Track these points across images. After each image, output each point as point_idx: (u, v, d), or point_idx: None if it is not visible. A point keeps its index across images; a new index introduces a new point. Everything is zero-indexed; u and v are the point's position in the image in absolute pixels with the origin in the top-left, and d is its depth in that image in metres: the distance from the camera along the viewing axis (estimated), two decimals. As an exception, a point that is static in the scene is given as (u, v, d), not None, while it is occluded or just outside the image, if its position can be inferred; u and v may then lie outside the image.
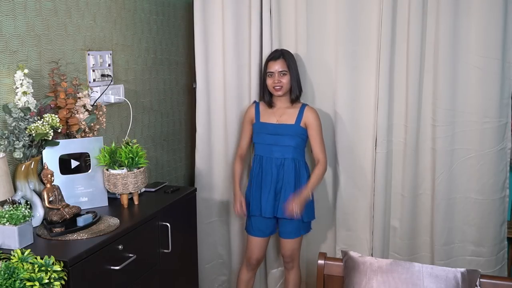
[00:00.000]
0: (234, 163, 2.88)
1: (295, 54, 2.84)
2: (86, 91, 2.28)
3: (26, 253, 1.65)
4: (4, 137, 1.91)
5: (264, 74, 2.71)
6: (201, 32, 2.96)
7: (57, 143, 2.11)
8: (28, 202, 2.00)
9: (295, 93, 2.69)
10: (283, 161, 2.67)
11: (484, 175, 2.67)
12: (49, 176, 1.99)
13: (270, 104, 2.73)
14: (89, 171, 2.24)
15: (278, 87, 2.65)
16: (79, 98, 2.25)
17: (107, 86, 2.49)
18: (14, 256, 1.62)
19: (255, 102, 2.84)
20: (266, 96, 2.74)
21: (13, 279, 1.53)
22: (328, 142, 2.89)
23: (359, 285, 2.07)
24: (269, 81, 2.67)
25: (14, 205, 1.85)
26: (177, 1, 3.22)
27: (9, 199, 1.89)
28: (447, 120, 2.65)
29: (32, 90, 2.00)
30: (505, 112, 2.62)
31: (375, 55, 2.72)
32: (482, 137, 2.63)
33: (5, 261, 1.62)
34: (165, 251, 2.32)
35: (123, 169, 2.24)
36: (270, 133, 2.71)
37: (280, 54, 2.67)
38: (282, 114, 2.71)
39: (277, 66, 2.63)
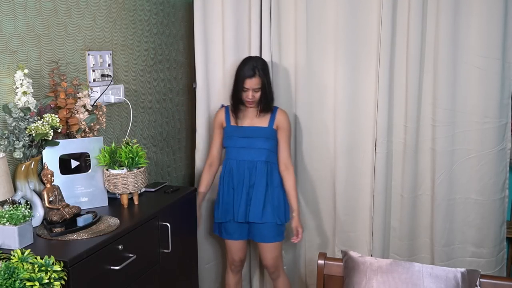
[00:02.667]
0: (202, 172, 2.86)
1: (295, 54, 2.84)
2: (86, 91, 2.27)
3: (26, 253, 1.65)
4: (4, 137, 1.91)
5: (237, 85, 2.66)
6: (201, 32, 2.95)
7: (57, 143, 2.11)
8: (28, 202, 2.00)
9: (265, 103, 2.66)
10: (255, 164, 2.67)
11: (484, 176, 2.67)
12: (49, 176, 1.99)
13: (240, 110, 2.71)
14: (89, 171, 2.24)
15: (251, 101, 2.65)
16: (79, 98, 2.25)
17: (107, 86, 2.49)
18: (14, 256, 1.62)
19: (223, 106, 2.82)
20: (237, 105, 2.70)
21: (13, 279, 1.53)
22: (328, 142, 2.90)
23: (359, 285, 2.07)
24: (243, 95, 2.64)
25: (14, 205, 1.85)
26: (177, 1, 3.22)
27: (9, 199, 1.89)
28: (447, 121, 2.65)
29: (32, 90, 1.99)
30: (505, 112, 2.62)
31: (375, 55, 2.72)
32: (482, 137, 2.63)
33: (5, 261, 1.62)
34: (165, 251, 2.32)
35: (123, 169, 2.24)
36: (243, 136, 2.69)
37: (255, 72, 2.60)
38: (254, 117, 2.71)
39: (252, 83, 2.61)
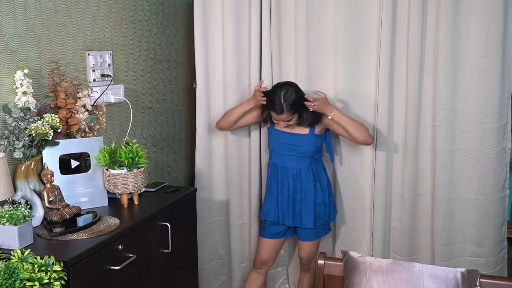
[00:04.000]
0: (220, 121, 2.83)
1: (295, 54, 2.84)
2: (86, 91, 2.27)
3: (26, 253, 1.65)
4: (4, 137, 1.91)
5: (269, 115, 2.63)
6: (201, 32, 2.95)
7: (57, 143, 2.11)
8: (28, 202, 2.00)
9: (300, 123, 2.62)
10: (299, 171, 2.66)
11: (484, 176, 2.67)
12: (49, 176, 1.99)
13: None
14: (89, 171, 2.24)
15: (286, 127, 2.63)
16: (79, 98, 2.25)
17: (107, 86, 2.49)
18: (14, 256, 1.62)
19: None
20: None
21: (13, 279, 1.53)
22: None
23: (359, 285, 2.07)
24: (276, 123, 2.64)
25: (14, 205, 1.85)
26: (177, 1, 3.22)
27: (9, 199, 1.89)
28: (447, 120, 2.65)
29: (32, 90, 1.99)
30: (505, 112, 2.62)
31: (375, 55, 2.72)
32: (482, 137, 2.63)
33: (5, 261, 1.62)
34: (165, 251, 2.32)
35: (123, 169, 2.24)
36: (285, 142, 2.68)
37: (282, 110, 2.51)
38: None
39: (281, 118, 2.56)
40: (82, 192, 2.21)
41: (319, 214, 2.68)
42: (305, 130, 2.65)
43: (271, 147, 2.75)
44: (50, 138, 2.01)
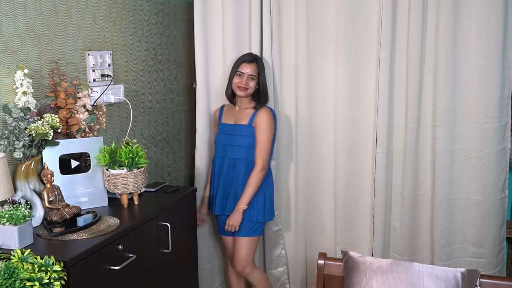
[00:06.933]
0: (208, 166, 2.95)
1: (295, 54, 2.84)
2: (86, 91, 2.27)
3: (26, 253, 1.65)
4: (4, 137, 1.91)
5: (233, 72, 2.72)
6: (201, 32, 2.95)
7: (57, 143, 2.11)
8: (28, 202, 2.00)
9: (258, 97, 2.70)
10: (234, 161, 2.70)
11: (484, 176, 2.67)
12: (49, 176, 1.99)
13: (232, 102, 2.76)
14: (89, 171, 2.24)
15: (243, 88, 2.66)
16: (79, 98, 2.25)
17: (107, 86, 2.49)
18: (14, 256, 1.62)
19: (222, 105, 2.88)
20: (229, 93, 2.75)
21: (13, 279, 1.53)
22: (329, 142, 2.90)
23: (359, 285, 2.07)
24: (236, 80, 2.68)
25: (14, 205, 1.85)
26: (177, 1, 3.22)
27: (9, 199, 1.89)
28: (447, 120, 2.65)
29: (32, 90, 1.99)
30: (505, 112, 2.62)
31: (375, 55, 2.72)
32: (482, 137, 2.63)
33: (5, 261, 1.62)
34: (165, 251, 2.32)
35: (123, 169, 2.24)
36: (226, 133, 2.75)
37: (254, 59, 2.71)
38: (239, 114, 2.74)
39: (249, 69, 2.67)
40: (82, 192, 2.21)
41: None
42: (245, 121, 2.69)
43: (215, 140, 2.81)
44: (50, 138, 2.01)
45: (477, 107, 2.62)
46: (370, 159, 2.81)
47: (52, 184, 2.00)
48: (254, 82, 2.68)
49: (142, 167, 2.30)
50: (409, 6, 2.62)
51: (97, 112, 2.36)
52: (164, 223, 2.29)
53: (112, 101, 2.54)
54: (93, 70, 2.43)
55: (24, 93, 1.96)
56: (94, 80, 2.44)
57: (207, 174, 2.95)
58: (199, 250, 2.91)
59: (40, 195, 2.01)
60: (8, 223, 1.76)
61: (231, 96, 2.76)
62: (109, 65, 2.55)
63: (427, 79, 2.68)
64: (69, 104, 2.18)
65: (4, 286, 1.51)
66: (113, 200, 2.31)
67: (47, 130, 1.97)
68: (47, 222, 1.96)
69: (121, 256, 1.98)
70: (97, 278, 1.85)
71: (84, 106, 2.25)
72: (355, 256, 2.19)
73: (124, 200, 2.28)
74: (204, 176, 3.06)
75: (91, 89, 2.38)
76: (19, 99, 1.96)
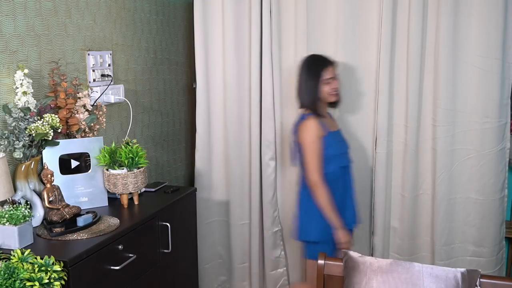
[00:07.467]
0: (322, 189, 2.41)
1: (295, 54, 2.84)
2: (86, 91, 2.28)
3: (26, 253, 1.65)
4: (4, 137, 1.91)
5: (316, 81, 2.44)
6: (201, 32, 2.95)
7: (57, 143, 2.11)
8: (28, 202, 2.00)
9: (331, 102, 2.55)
10: (351, 166, 2.60)
11: (484, 175, 2.67)
12: (49, 176, 1.99)
13: (317, 112, 2.47)
14: (89, 171, 2.24)
15: (335, 94, 2.49)
16: (79, 98, 2.25)
17: (107, 86, 2.49)
18: (14, 256, 1.62)
19: (309, 114, 2.46)
20: (319, 106, 2.48)
21: (13, 279, 1.53)
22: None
23: (359, 285, 2.07)
24: (326, 88, 2.45)
25: (14, 205, 1.85)
26: (177, 1, 3.22)
27: (9, 199, 1.89)
28: (447, 120, 2.65)
29: (32, 90, 2.00)
30: (505, 112, 2.62)
31: (375, 55, 2.72)
32: (482, 137, 2.63)
33: (5, 261, 1.62)
34: (165, 251, 2.32)
35: (123, 169, 2.24)
36: (341, 140, 2.58)
37: (328, 61, 2.47)
38: (332, 121, 2.61)
39: (332, 73, 2.47)
40: (82, 192, 2.21)
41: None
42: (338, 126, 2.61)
43: (335, 151, 2.47)
44: (50, 138, 2.01)
45: (477, 107, 2.62)
46: (370, 159, 2.81)
47: (52, 184, 2.00)
48: (337, 82, 2.53)
49: (142, 167, 2.30)
50: (409, 6, 2.62)
51: (97, 112, 2.36)
52: (164, 223, 2.29)
53: (112, 101, 2.54)
54: (93, 70, 2.43)
55: (24, 93, 1.96)
56: (94, 80, 2.44)
57: (330, 207, 2.43)
58: (199, 250, 2.91)
59: (40, 195, 2.01)
60: (8, 223, 1.76)
61: (316, 105, 2.46)
62: (109, 65, 2.55)
63: (427, 79, 2.68)
64: (69, 104, 2.18)
65: (4, 286, 1.51)
66: (113, 200, 2.31)
67: (47, 130, 1.97)
68: (47, 222, 1.96)
69: (121, 256, 1.98)
70: (97, 278, 1.86)
71: (84, 106, 2.25)
72: (355, 256, 2.18)
73: (124, 200, 2.28)
74: (205, 176, 3.06)
75: (91, 89, 2.38)
76: (19, 99, 1.96)
